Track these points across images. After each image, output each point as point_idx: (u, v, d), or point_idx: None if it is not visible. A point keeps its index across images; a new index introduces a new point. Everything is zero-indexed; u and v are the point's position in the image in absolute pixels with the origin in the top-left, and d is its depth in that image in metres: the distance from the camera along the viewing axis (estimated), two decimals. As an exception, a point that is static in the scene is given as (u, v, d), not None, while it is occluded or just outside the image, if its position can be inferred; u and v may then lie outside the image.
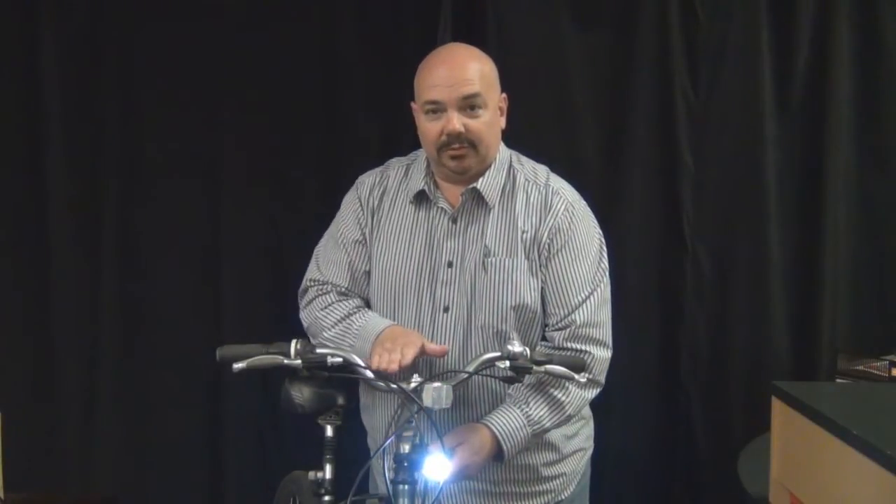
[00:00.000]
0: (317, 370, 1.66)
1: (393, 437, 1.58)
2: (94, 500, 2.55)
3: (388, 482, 1.57)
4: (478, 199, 1.86)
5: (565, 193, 1.88)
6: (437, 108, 1.78)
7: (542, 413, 1.79)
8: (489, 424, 1.77)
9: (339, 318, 1.87)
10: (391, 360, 1.64)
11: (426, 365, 1.76)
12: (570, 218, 1.85)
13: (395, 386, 1.61)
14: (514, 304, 1.82)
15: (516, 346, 1.66)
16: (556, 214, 1.84)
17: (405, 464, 1.56)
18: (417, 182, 1.89)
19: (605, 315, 1.89)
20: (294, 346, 1.63)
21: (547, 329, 1.87)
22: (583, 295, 1.83)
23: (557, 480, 1.94)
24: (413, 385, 1.60)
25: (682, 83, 2.55)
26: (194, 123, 2.61)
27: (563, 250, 1.83)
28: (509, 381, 1.73)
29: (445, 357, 1.78)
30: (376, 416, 1.94)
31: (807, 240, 2.56)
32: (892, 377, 2.36)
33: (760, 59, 2.52)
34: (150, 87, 2.60)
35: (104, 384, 2.64)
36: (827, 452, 1.42)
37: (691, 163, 2.56)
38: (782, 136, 2.55)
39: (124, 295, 2.64)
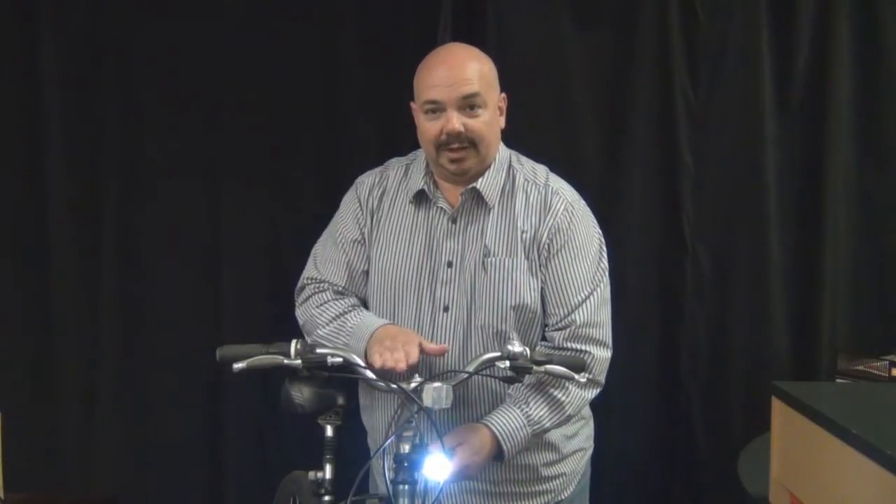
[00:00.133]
0: (317, 370, 1.66)
1: (393, 437, 1.58)
2: (94, 500, 2.55)
3: (388, 482, 1.57)
4: (477, 198, 1.86)
5: (565, 193, 1.88)
6: (436, 108, 1.78)
7: (542, 413, 1.79)
8: (489, 424, 1.77)
9: (333, 315, 1.87)
10: (397, 358, 1.64)
11: (426, 365, 1.76)
12: (570, 218, 1.85)
13: (395, 386, 1.61)
14: (513, 304, 1.82)
15: (516, 346, 1.66)
16: (556, 214, 1.84)
17: (405, 464, 1.56)
18: (417, 182, 1.89)
19: (605, 315, 1.88)
20: (294, 346, 1.63)
21: (547, 329, 1.87)
22: (583, 295, 1.83)
23: (557, 480, 1.94)
24: (413, 385, 1.60)
25: (682, 83, 2.55)
26: (194, 123, 2.61)
27: (563, 250, 1.83)
28: (509, 381, 1.73)
29: (445, 357, 1.78)
30: (376, 416, 1.94)
31: (807, 240, 2.56)
32: (892, 377, 2.36)
33: (760, 59, 2.52)
34: (150, 87, 2.60)
35: (104, 384, 2.64)
36: (827, 452, 1.42)
37: (691, 163, 2.56)
38: (782, 136, 2.55)
39: (124, 295, 2.64)
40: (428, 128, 1.80)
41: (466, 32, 2.43)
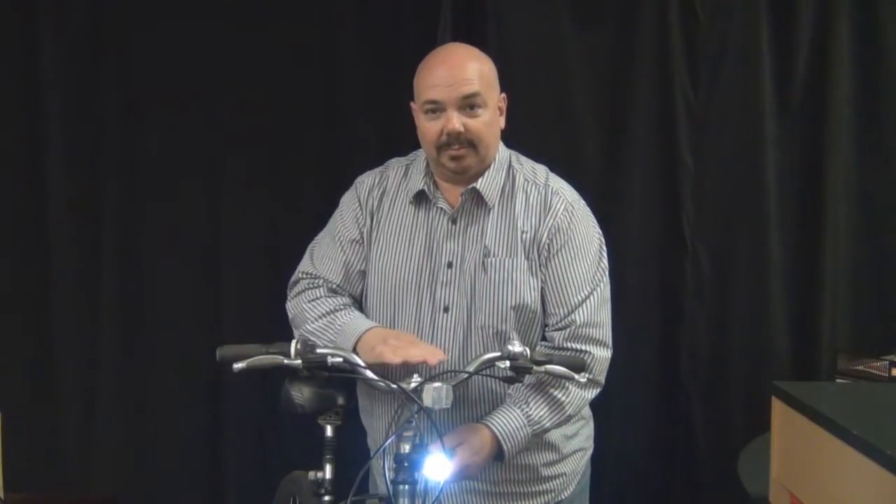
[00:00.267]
0: (317, 370, 1.66)
1: (393, 437, 1.58)
2: (94, 500, 2.55)
3: (388, 482, 1.57)
4: (477, 199, 1.86)
5: (565, 193, 1.88)
6: (436, 108, 1.78)
7: (542, 413, 1.79)
8: (489, 424, 1.77)
9: (324, 312, 1.86)
10: (424, 353, 1.63)
11: (426, 365, 1.76)
12: (570, 218, 1.85)
13: (395, 386, 1.61)
14: (513, 304, 1.82)
15: (516, 346, 1.66)
16: (556, 214, 1.84)
17: (405, 464, 1.56)
18: (417, 182, 1.89)
19: (605, 315, 1.88)
20: (294, 346, 1.62)
21: (547, 329, 1.87)
22: (582, 295, 1.83)
23: (557, 480, 1.94)
24: (413, 385, 1.60)
25: (682, 83, 2.55)
26: (194, 123, 2.61)
27: (563, 250, 1.83)
28: (509, 381, 1.73)
29: (446, 357, 1.77)
30: (376, 416, 1.94)
31: (807, 240, 2.56)
32: (892, 377, 2.36)
33: (760, 60, 2.52)
34: (150, 87, 2.60)
35: (104, 384, 2.65)
36: (827, 452, 1.41)
37: (691, 163, 2.56)
38: (782, 136, 2.55)
39: (124, 295, 2.64)
40: (428, 128, 1.80)
41: (466, 32, 2.43)
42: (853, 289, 2.58)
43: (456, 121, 1.76)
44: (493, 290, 1.82)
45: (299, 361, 1.62)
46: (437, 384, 1.58)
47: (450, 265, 1.85)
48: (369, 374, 1.68)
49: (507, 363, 1.67)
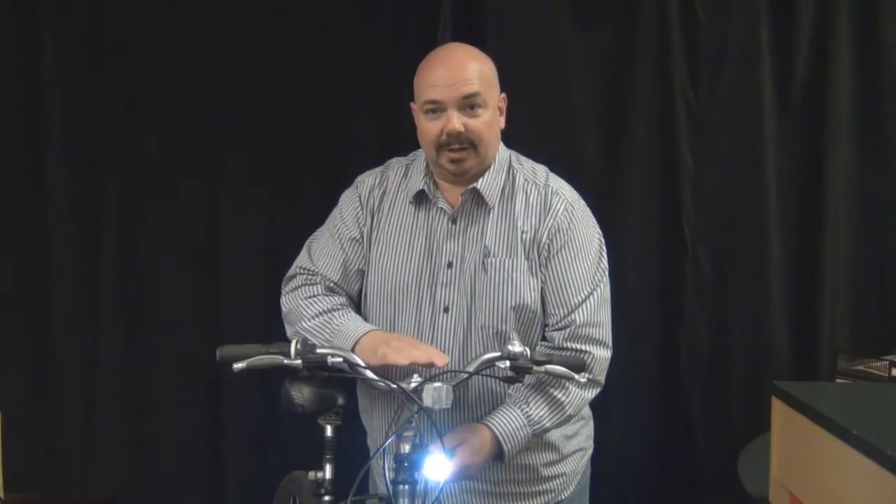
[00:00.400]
0: (317, 370, 1.66)
1: (393, 437, 1.58)
2: (94, 500, 2.55)
3: (388, 482, 1.57)
4: (477, 199, 1.86)
5: (565, 193, 1.88)
6: (436, 108, 1.78)
7: (542, 413, 1.79)
8: (489, 424, 1.77)
9: (320, 310, 1.86)
10: (430, 355, 1.64)
11: (429, 366, 1.76)
12: (570, 218, 1.85)
13: (395, 386, 1.61)
14: (513, 304, 1.82)
15: (516, 347, 1.66)
16: (556, 214, 1.84)
17: (405, 464, 1.56)
18: (417, 182, 1.89)
19: (605, 315, 1.88)
20: (294, 346, 1.62)
21: (547, 329, 1.87)
22: (582, 295, 1.83)
23: (557, 480, 1.94)
24: (413, 385, 1.60)
25: (682, 83, 2.55)
26: (194, 123, 2.61)
27: (563, 250, 1.83)
28: (509, 381, 1.73)
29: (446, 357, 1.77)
30: (375, 416, 1.93)
31: (807, 240, 2.56)
32: (892, 377, 2.36)
33: (760, 60, 2.52)
34: (150, 87, 2.60)
35: (104, 384, 2.65)
36: (827, 452, 1.41)
37: (691, 163, 2.56)
38: (782, 136, 2.56)
39: (124, 295, 2.64)
40: (428, 128, 1.80)
41: (466, 32, 2.43)
42: (853, 289, 2.58)
43: (456, 121, 1.76)
44: (493, 290, 1.82)
45: (299, 361, 1.62)
46: (437, 384, 1.58)
47: (450, 265, 1.85)
48: (369, 374, 1.68)
49: (507, 363, 1.67)
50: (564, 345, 1.82)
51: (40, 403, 2.63)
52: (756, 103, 2.53)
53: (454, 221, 1.87)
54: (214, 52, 2.57)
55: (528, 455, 1.87)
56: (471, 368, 1.67)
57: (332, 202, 2.01)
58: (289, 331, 1.90)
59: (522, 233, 1.84)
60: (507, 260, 1.83)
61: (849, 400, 1.73)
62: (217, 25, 2.57)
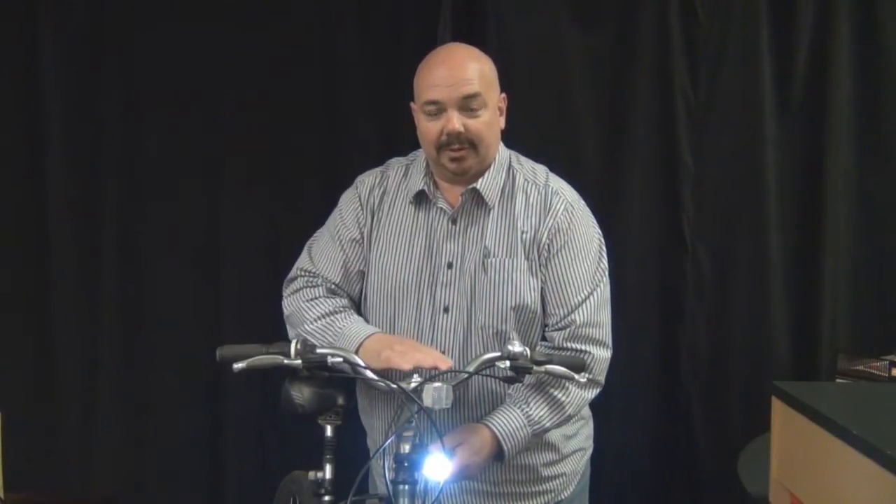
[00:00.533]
0: (317, 370, 1.66)
1: (393, 437, 1.58)
2: (94, 500, 2.55)
3: (389, 482, 1.57)
4: (477, 199, 1.86)
5: (565, 193, 1.88)
6: (436, 108, 1.78)
7: (542, 413, 1.79)
8: (489, 424, 1.77)
9: (322, 313, 1.86)
10: (435, 358, 1.63)
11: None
12: (570, 218, 1.85)
13: (395, 386, 1.61)
14: (514, 304, 1.82)
15: (516, 347, 1.66)
16: (556, 215, 1.84)
17: (405, 464, 1.56)
18: (417, 182, 1.89)
19: (605, 315, 1.88)
20: (294, 346, 1.62)
21: (547, 329, 1.87)
22: (582, 295, 1.83)
23: (557, 480, 1.94)
24: (413, 385, 1.60)
25: (682, 83, 2.55)
26: (194, 123, 2.61)
27: (563, 250, 1.83)
28: (509, 381, 1.73)
29: (446, 357, 1.77)
30: (375, 416, 1.93)
31: (807, 240, 2.56)
32: (892, 377, 2.36)
33: (760, 59, 2.52)
34: (150, 87, 2.60)
35: (104, 384, 2.65)
36: (827, 452, 1.42)
37: (691, 163, 2.56)
38: (782, 136, 2.55)
39: (124, 295, 2.64)
40: (428, 128, 1.80)
41: (466, 32, 2.43)
42: (853, 289, 2.58)
43: (456, 121, 1.76)
44: (493, 290, 1.82)
45: (299, 361, 1.62)
46: (437, 384, 1.57)
47: (450, 265, 1.85)
48: (369, 374, 1.68)
49: (507, 363, 1.67)
50: (564, 345, 1.82)
51: (40, 403, 2.63)
52: (756, 103, 2.53)
53: (454, 222, 1.86)
54: (214, 52, 2.57)
55: (528, 455, 1.87)
56: (471, 368, 1.67)
57: (332, 202, 2.01)
58: (291, 333, 1.90)
59: (522, 233, 1.84)
60: (507, 260, 1.83)
61: (849, 400, 1.73)
62: (217, 25, 2.57)
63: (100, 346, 2.64)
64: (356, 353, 1.73)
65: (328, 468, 1.75)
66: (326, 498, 1.73)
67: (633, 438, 2.60)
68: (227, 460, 2.66)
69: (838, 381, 2.44)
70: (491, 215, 1.85)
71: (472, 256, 1.84)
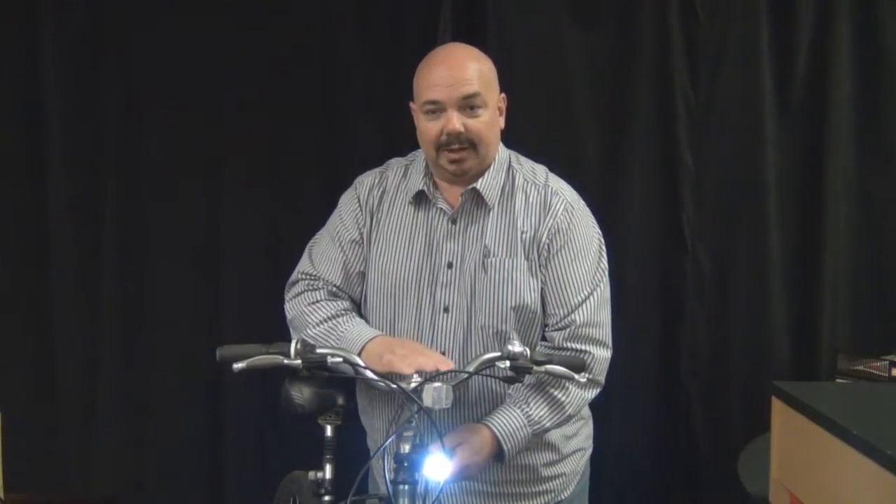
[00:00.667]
0: (317, 370, 1.66)
1: (393, 438, 1.58)
2: (94, 500, 2.56)
3: (388, 482, 1.57)
4: (477, 199, 1.86)
5: (564, 193, 1.88)
6: (436, 108, 1.78)
7: (542, 413, 1.79)
8: (489, 424, 1.77)
9: (325, 317, 1.86)
10: (436, 361, 1.63)
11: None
12: (570, 218, 1.85)
13: (395, 386, 1.61)
14: (513, 304, 1.82)
15: (516, 347, 1.66)
16: (556, 215, 1.84)
17: (405, 464, 1.56)
18: (416, 183, 1.89)
19: (605, 315, 1.88)
20: (294, 346, 1.62)
21: (547, 329, 1.87)
22: (582, 295, 1.83)
23: (557, 480, 1.94)
24: (413, 385, 1.60)
25: (682, 83, 2.55)
26: (194, 123, 2.61)
27: (563, 250, 1.83)
28: (509, 381, 1.73)
29: (446, 357, 1.77)
30: (375, 416, 1.94)
31: (807, 240, 2.56)
32: (892, 377, 2.36)
33: (760, 60, 2.52)
34: (150, 87, 2.60)
35: (104, 384, 2.65)
36: (827, 452, 1.42)
37: (691, 163, 2.56)
38: (782, 136, 2.56)
39: (124, 295, 2.64)
40: (428, 128, 1.80)
41: (466, 32, 2.43)
42: (853, 289, 2.58)
43: (456, 121, 1.76)
44: (493, 290, 1.82)
45: (299, 361, 1.62)
46: (437, 384, 1.57)
47: (450, 265, 1.85)
48: (369, 373, 1.68)
49: (507, 363, 1.67)
50: (564, 345, 1.82)
51: (40, 403, 2.63)
52: (756, 103, 2.53)
53: (454, 222, 1.86)
54: (214, 52, 2.57)
55: (528, 455, 1.87)
56: (471, 368, 1.67)
57: (332, 202, 2.01)
58: (294, 337, 1.90)
59: (522, 233, 1.84)
60: (506, 260, 1.83)
61: (849, 400, 1.73)
62: (217, 25, 2.57)
63: (100, 346, 2.64)
64: (358, 356, 1.72)
65: (328, 468, 1.75)
66: (326, 498, 1.73)
67: (633, 438, 2.60)
68: (227, 460, 2.66)
69: (838, 381, 2.44)
70: (491, 215, 1.85)
71: (471, 256, 1.84)
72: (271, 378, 1.84)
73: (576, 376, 1.70)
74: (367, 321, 1.90)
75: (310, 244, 1.99)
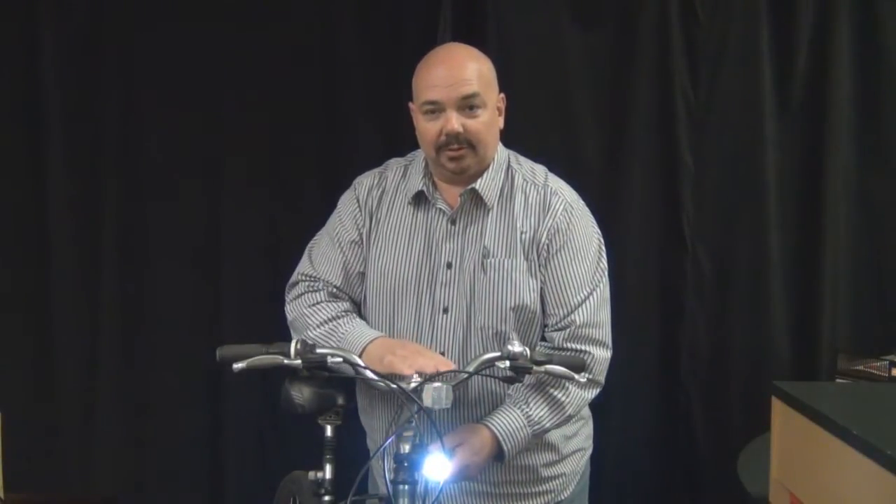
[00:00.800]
0: (317, 370, 1.66)
1: (393, 438, 1.58)
2: (94, 500, 2.56)
3: (388, 482, 1.57)
4: (476, 199, 1.86)
5: (564, 193, 1.88)
6: (435, 109, 1.78)
7: (542, 413, 1.79)
8: (489, 425, 1.77)
9: (325, 318, 1.86)
10: (437, 363, 1.63)
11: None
12: (569, 218, 1.85)
13: (395, 386, 1.61)
14: (513, 304, 1.82)
15: (516, 347, 1.66)
16: (555, 215, 1.84)
17: (405, 464, 1.56)
18: (416, 183, 1.88)
19: (605, 315, 1.88)
20: (294, 346, 1.62)
21: (546, 329, 1.87)
22: (582, 295, 1.83)
23: (557, 481, 1.94)
24: (413, 385, 1.60)
25: (682, 83, 2.55)
26: (194, 123, 2.61)
27: (562, 251, 1.83)
28: (509, 381, 1.72)
29: (446, 357, 1.77)
30: (375, 416, 1.93)
31: (807, 240, 2.56)
32: (892, 377, 2.36)
33: (760, 59, 2.52)
34: (150, 87, 2.60)
35: (104, 384, 2.65)
36: (827, 452, 1.42)
37: (691, 163, 2.56)
38: (782, 136, 2.56)
39: (124, 295, 2.64)
40: (427, 129, 1.80)
41: (466, 32, 2.43)
42: (853, 289, 2.58)
43: (455, 121, 1.76)
44: (493, 290, 1.82)
45: (299, 361, 1.62)
46: (437, 384, 1.57)
47: (449, 266, 1.85)
48: (369, 373, 1.68)
49: (507, 363, 1.66)
50: (564, 345, 1.82)
51: (40, 403, 2.63)
52: (756, 103, 2.53)
53: (453, 222, 1.86)
54: (214, 52, 2.57)
55: (528, 455, 1.87)
56: (471, 368, 1.67)
57: (332, 202, 2.01)
58: (294, 338, 1.90)
59: (521, 233, 1.84)
60: (506, 260, 1.83)
61: (849, 400, 1.73)
62: (217, 25, 2.57)
63: (100, 346, 2.64)
64: (359, 358, 1.72)
65: (328, 468, 1.75)
66: (326, 498, 1.73)
67: (633, 438, 2.60)
68: (227, 460, 2.66)
69: (838, 381, 2.44)
70: (490, 215, 1.85)
71: (471, 257, 1.84)
72: (271, 378, 1.84)
73: (576, 376, 1.70)
74: (366, 321, 1.90)
75: (309, 245, 1.99)
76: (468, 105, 1.77)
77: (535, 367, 1.66)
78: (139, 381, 2.65)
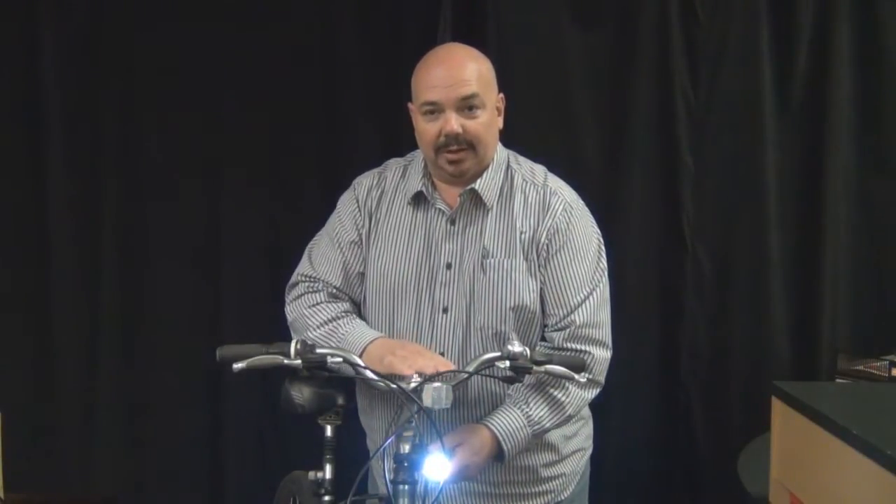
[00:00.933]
0: (317, 370, 1.66)
1: (393, 438, 1.58)
2: (94, 500, 2.56)
3: (388, 482, 1.57)
4: (476, 200, 1.86)
5: (563, 193, 1.88)
6: (434, 109, 1.77)
7: (542, 413, 1.79)
8: (489, 425, 1.77)
9: (325, 319, 1.86)
10: (437, 363, 1.64)
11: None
12: (569, 218, 1.84)
13: (395, 386, 1.61)
14: (513, 304, 1.82)
15: (516, 347, 1.66)
16: (555, 215, 1.84)
17: (405, 464, 1.56)
18: (415, 183, 1.88)
19: (605, 315, 1.88)
20: (294, 346, 1.62)
21: (546, 329, 1.87)
22: (582, 295, 1.83)
23: (557, 481, 1.94)
24: (413, 385, 1.60)
25: (682, 83, 2.55)
26: (194, 123, 2.61)
27: (562, 251, 1.83)
28: (509, 381, 1.72)
29: (446, 357, 1.77)
30: (375, 416, 1.93)
31: (807, 240, 2.56)
32: (892, 377, 2.36)
33: (760, 59, 2.52)
34: (150, 87, 2.60)
35: (104, 384, 2.65)
36: (827, 452, 1.42)
37: (691, 163, 2.56)
38: (782, 136, 2.55)
39: (124, 295, 2.64)
40: (426, 129, 1.80)
41: (466, 32, 2.43)
42: (853, 289, 2.58)
43: (454, 122, 1.76)
44: (493, 290, 1.82)
45: (299, 361, 1.62)
46: (437, 384, 1.57)
47: (449, 266, 1.85)
48: (369, 373, 1.68)
49: (507, 363, 1.66)
50: (564, 345, 1.82)
51: (40, 403, 2.63)
52: (756, 103, 2.53)
53: (453, 222, 1.86)
54: (214, 52, 2.57)
55: (528, 456, 1.87)
56: (471, 368, 1.67)
57: (332, 202, 2.01)
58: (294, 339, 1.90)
59: (521, 233, 1.84)
60: (505, 261, 1.83)
61: (849, 400, 1.73)
62: (217, 25, 2.57)
63: (100, 346, 2.64)
64: (360, 358, 1.72)
65: (328, 468, 1.76)
66: (326, 498, 1.73)
67: (633, 438, 2.60)
68: (227, 460, 2.66)
69: (838, 381, 2.44)
70: (489, 216, 1.85)
71: (470, 257, 1.84)
72: (271, 378, 1.84)
73: (576, 376, 1.70)
74: (366, 321, 1.90)
75: (309, 246, 1.99)
76: (467, 105, 1.76)
77: (534, 367, 1.66)
78: (139, 381, 2.65)
